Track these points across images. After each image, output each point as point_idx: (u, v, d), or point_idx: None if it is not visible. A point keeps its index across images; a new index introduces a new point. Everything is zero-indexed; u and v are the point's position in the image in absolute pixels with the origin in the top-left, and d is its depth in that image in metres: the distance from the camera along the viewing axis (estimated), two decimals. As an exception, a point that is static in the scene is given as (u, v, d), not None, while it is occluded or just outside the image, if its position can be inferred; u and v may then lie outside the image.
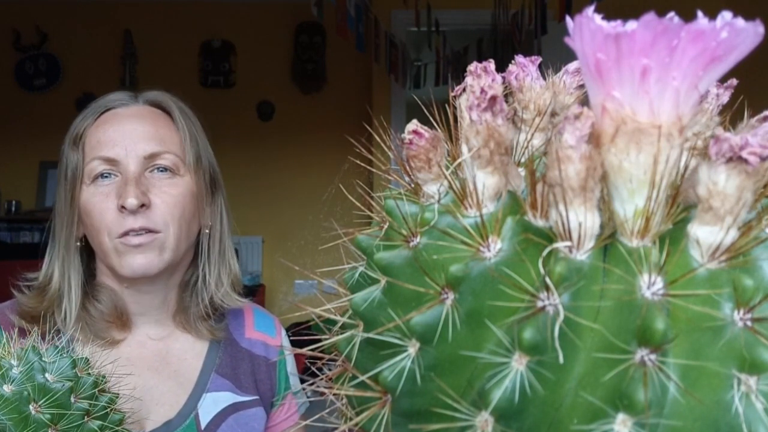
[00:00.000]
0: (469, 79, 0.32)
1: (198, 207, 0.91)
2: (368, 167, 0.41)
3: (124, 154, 0.85)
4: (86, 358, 0.61)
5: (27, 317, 0.86)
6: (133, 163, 0.85)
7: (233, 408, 0.92)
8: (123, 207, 0.82)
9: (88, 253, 0.90)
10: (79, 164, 0.86)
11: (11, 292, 0.89)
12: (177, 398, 0.89)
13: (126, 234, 0.83)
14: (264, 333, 1.00)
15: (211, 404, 0.90)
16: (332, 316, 0.35)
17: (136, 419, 0.83)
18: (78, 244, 0.88)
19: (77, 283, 0.87)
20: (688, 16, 0.25)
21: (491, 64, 0.33)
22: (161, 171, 0.87)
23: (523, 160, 0.35)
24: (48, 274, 0.88)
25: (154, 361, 0.90)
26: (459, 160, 0.31)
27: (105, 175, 0.86)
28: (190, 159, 0.89)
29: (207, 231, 0.93)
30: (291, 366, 1.02)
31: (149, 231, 0.84)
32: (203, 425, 0.89)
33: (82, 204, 0.86)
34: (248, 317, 1.01)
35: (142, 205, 0.83)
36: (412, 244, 0.31)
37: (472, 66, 0.32)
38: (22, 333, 0.65)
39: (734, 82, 0.36)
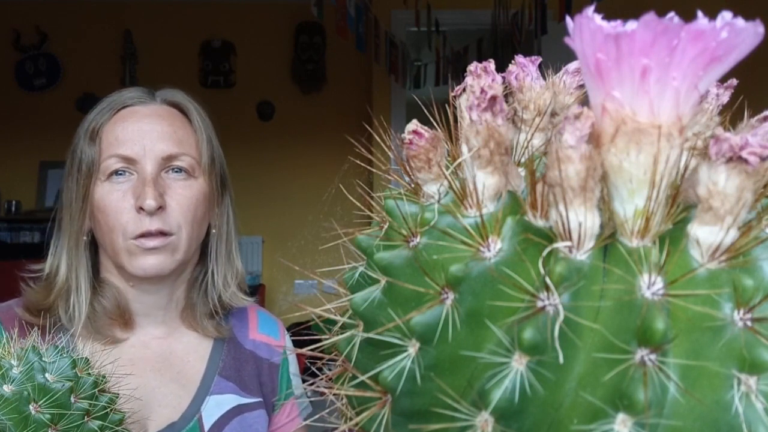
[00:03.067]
0: (469, 79, 0.32)
1: (209, 208, 0.91)
2: (368, 167, 0.41)
3: (142, 153, 0.85)
4: (86, 358, 0.61)
5: (33, 311, 0.86)
6: (150, 164, 0.85)
7: (237, 410, 0.92)
8: (141, 208, 0.82)
9: (94, 249, 0.90)
10: (96, 159, 0.86)
11: (11, 291, 0.89)
12: (180, 400, 0.89)
13: (141, 236, 0.83)
14: (267, 335, 1.00)
15: (215, 407, 0.90)
16: (332, 316, 0.35)
17: (139, 420, 0.83)
18: (85, 238, 0.88)
19: (86, 277, 0.87)
20: (688, 16, 0.25)
21: (491, 64, 0.33)
22: (176, 172, 0.87)
23: (523, 160, 0.35)
24: (54, 266, 0.88)
25: (157, 363, 0.90)
26: (459, 160, 0.31)
27: (120, 172, 0.85)
28: (205, 161, 0.90)
29: (215, 231, 0.94)
30: (294, 368, 1.02)
31: (163, 233, 0.84)
32: (207, 428, 0.88)
33: (96, 200, 0.85)
34: (252, 319, 1.01)
35: (159, 207, 0.83)
36: (412, 244, 0.31)
37: (472, 66, 0.32)
38: (23, 331, 0.64)
39: (734, 82, 0.36)
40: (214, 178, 0.91)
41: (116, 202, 0.84)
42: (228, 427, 0.90)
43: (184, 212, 0.86)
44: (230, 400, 0.92)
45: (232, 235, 0.96)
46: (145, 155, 0.85)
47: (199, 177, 0.89)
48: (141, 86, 0.93)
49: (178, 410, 0.88)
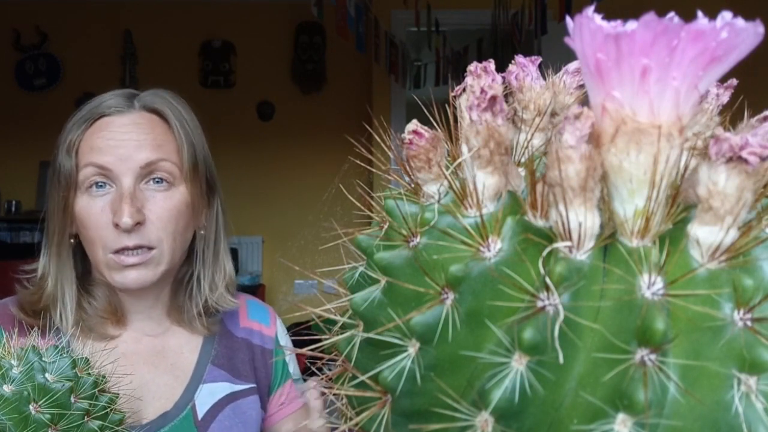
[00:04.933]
0: (469, 79, 0.32)
1: (192, 216, 0.90)
2: (368, 167, 0.41)
3: (119, 164, 0.84)
4: (86, 358, 0.61)
5: (28, 312, 0.86)
6: (128, 176, 0.84)
7: (230, 398, 0.93)
8: (117, 225, 0.82)
9: (83, 250, 0.90)
10: (73, 171, 0.85)
11: (11, 291, 0.90)
12: (173, 391, 0.90)
13: (121, 251, 0.83)
14: (258, 322, 1.01)
15: (208, 395, 0.91)
16: (332, 316, 0.35)
17: (133, 413, 0.83)
18: (72, 241, 0.88)
19: (71, 285, 0.87)
20: (688, 16, 0.25)
21: (491, 64, 0.33)
22: (157, 182, 0.86)
23: (523, 160, 0.35)
24: (46, 269, 0.88)
25: (150, 356, 0.91)
26: (459, 160, 0.31)
27: (99, 184, 0.84)
28: (186, 167, 0.88)
29: (202, 233, 0.93)
30: (290, 361, 1.02)
31: (142, 247, 0.83)
32: (200, 416, 0.89)
33: (77, 212, 0.85)
34: (242, 308, 1.01)
35: (137, 223, 0.82)
36: (412, 244, 0.31)
37: (472, 66, 0.32)
38: (22, 331, 0.65)
39: (734, 82, 0.36)
40: (198, 184, 0.89)
41: (95, 216, 0.83)
42: (221, 414, 0.91)
43: (165, 224, 0.85)
44: (223, 388, 0.93)
45: (221, 236, 0.95)
46: (123, 166, 0.84)
47: (180, 185, 0.87)
48: (122, 93, 0.91)
49: (171, 400, 0.89)
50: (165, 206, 0.85)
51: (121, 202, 0.82)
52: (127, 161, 0.84)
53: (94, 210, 0.84)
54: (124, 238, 0.82)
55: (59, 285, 0.87)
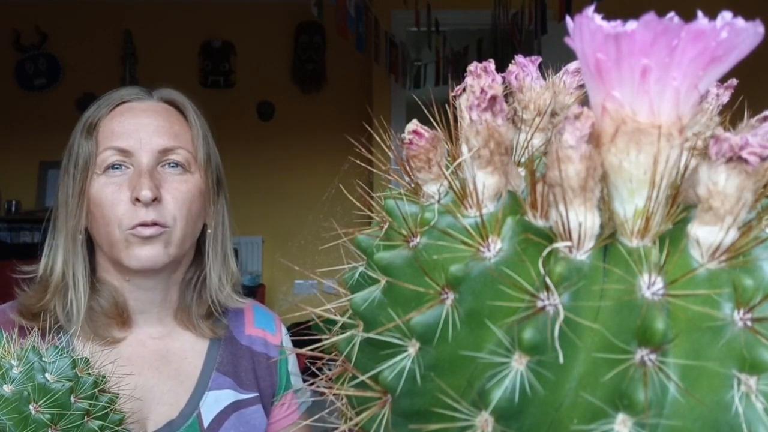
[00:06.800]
0: (469, 79, 0.32)
1: (204, 205, 0.92)
2: (368, 167, 0.41)
3: (138, 146, 0.86)
4: (86, 358, 0.61)
5: (28, 315, 0.86)
6: (146, 156, 0.86)
7: (235, 406, 0.92)
8: (137, 199, 0.83)
9: (89, 248, 0.90)
10: (92, 153, 0.87)
11: (11, 291, 0.89)
12: (178, 398, 0.90)
13: (137, 226, 0.84)
14: (264, 330, 1.01)
15: (213, 403, 0.91)
16: (332, 316, 0.35)
17: (137, 419, 0.83)
18: (80, 236, 0.88)
19: (83, 274, 0.87)
20: (688, 16, 0.25)
21: (491, 64, 0.33)
22: (173, 166, 0.88)
23: (523, 160, 0.35)
24: (49, 266, 0.88)
25: (155, 361, 0.90)
26: (459, 160, 0.31)
27: (116, 166, 0.86)
28: (201, 157, 0.91)
29: (210, 231, 0.94)
30: (292, 365, 1.02)
31: (158, 224, 0.84)
32: (206, 424, 0.89)
33: (93, 194, 0.86)
34: (248, 315, 1.01)
35: (155, 199, 0.84)
36: (412, 244, 0.31)
37: (472, 66, 0.32)
38: (22, 332, 0.65)
39: (734, 82, 0.36)
40: (210, 175, 0.92)
41: (112, 194, 0.85)
42: (227, 422, 0.90)
43: (180, 206, 0.87)
44: (228, 395, 0.92)
45: (228, 236, 0.97)
46: (141, 148, 0.86)
47: (195, 172, 0.90)
48: (139, 86, 0.95)
49: (176, 407, 0.89)
50: (180, 188, 0.87)
51: (140, 177, 0.84)
52: (146, 144, 0.86)
53: (111, 188, 0.85)
54: (141, 212, 0.83)
55: (71, 272, 0.87)
